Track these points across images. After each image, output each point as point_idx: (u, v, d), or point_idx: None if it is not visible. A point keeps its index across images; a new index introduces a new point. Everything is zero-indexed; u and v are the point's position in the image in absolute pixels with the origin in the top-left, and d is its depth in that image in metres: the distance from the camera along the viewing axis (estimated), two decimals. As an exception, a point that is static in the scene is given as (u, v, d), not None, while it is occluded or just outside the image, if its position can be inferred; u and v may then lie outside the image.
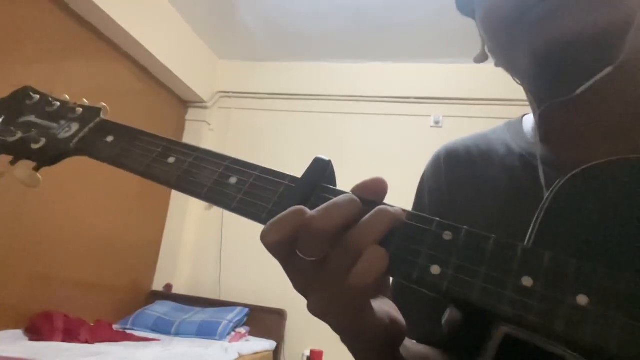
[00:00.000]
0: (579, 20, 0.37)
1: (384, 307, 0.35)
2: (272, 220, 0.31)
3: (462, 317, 0.31)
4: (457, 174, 0.54)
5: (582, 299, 0.27)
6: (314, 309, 0.32)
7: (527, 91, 0.49)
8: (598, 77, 0.40)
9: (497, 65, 0.51)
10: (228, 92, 3.77)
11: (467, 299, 0.28)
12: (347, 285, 0.29)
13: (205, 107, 3.70)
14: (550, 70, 0.41)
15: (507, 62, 0.47)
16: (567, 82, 0.41)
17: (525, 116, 0.55)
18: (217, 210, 3.53)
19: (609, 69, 0.39)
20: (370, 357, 0.36)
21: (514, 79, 0.49)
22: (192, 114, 3.73)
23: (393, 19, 3.02)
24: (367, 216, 0.31)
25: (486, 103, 3.20)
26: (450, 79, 3.37)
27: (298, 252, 0.31)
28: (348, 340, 0.35)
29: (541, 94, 0.46)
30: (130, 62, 3.06)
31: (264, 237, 0.31)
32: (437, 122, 3.36)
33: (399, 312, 0.37)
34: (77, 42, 2.62)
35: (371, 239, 0.30)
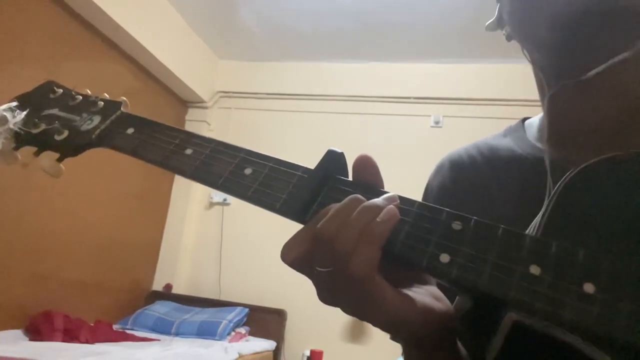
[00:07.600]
0: None
1: (418, 295, 0.34)
2: (287, 241, 0.33)
3: (472, 306, 0.32)
4: (463, 182, 0.53)
5: (588, 287, 0.27)
6: (350, 314, 0.33)
7: (539, 70, 0.47)
8: (614, 60, 0.39)
9: (509, 38, 0.49)
10: (228, 92, 3.77)
11: (476, 286, 0.29)
12: (349, 281, 0.30)
13: (205, 107, 3.70)
14: (568, 39, 0.40)
15: (525, 29, 0.46)
16: (582, 60, 0.41)
17: (527, 120, 0.54)
18: (217, 210, 3.53)
19: (625, 54, 0.39)
20: (419, 355, 0.37)
21: (526, 56, 0.48)
22: (192, 114, 3.73)
23: (393, 19, 3.03)
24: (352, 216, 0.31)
25: (486, 103, 3.21)
26: (450, 79, 3.38)
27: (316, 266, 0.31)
28: (397, 335, 0.36)
29: (553, 70, 0.45)
30: (130, 62, 3.06)
31: (283, 257, 0.33)
32: (437, 122, 3.36)
33: (443, 302, 0.36)
34: (78, 42, 2.62)
35: (355, 235, 0.30)
